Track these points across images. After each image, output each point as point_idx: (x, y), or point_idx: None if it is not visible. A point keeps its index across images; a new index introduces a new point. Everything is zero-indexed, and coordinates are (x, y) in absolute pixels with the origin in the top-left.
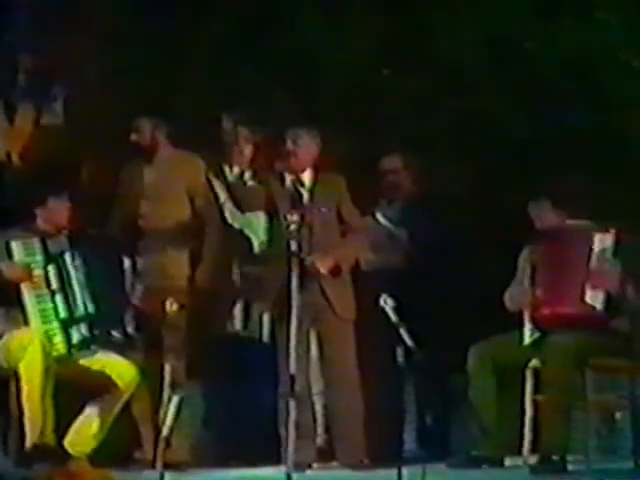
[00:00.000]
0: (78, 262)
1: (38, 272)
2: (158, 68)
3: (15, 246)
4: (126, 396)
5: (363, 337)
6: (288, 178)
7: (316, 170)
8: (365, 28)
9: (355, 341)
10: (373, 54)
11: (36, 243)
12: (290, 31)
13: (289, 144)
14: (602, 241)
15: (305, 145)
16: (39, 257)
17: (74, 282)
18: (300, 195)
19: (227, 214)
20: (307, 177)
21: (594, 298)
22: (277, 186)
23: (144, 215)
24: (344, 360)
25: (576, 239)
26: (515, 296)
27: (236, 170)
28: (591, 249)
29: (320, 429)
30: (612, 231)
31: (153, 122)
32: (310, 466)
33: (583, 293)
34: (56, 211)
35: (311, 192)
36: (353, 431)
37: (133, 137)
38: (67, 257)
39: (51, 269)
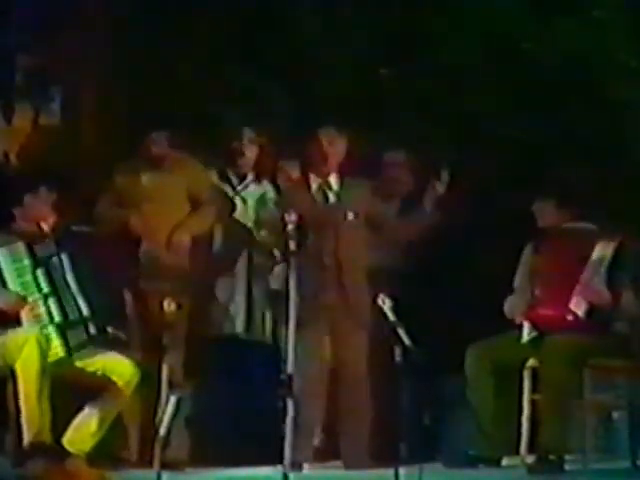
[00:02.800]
0: (67, 264)
1: (27, 277)
2: (157, 68)
3: (1, 254)
4: (127, 394)
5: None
6: (314, 182)
7: (342, 173)
8: (364, 28)
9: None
10: (372, 54)
11: (21, 247)
12: (289, 31)
13: (325, 144)
14: (602, 250)
15: (337, 145)
16: (26, 261)
17: (65, 284)
18: (327, 198)
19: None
20: (334, 180)
21: (577, 305)
22: (302, 191)
23: (142, 216)
24: (358, 363)
25: (578, 242)
26: (513, 305)
27: (239, 172)
28: (589, 257)
29: (317, 429)
30: (615, 240)
31: (167, 134)
32: (304, 466)
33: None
34: (33, 209)
35: (338, 195)
36: (359, 432)
37: (153, 150)
38: (55, 260)
39: (40, 273)
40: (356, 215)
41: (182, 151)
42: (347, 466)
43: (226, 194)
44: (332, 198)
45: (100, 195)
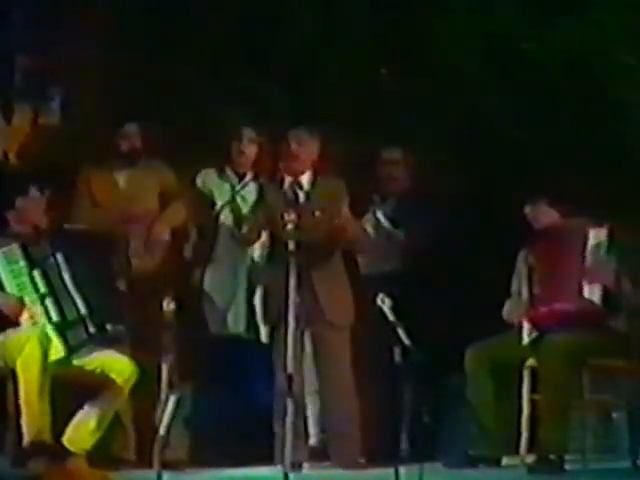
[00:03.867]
0: (62, 263)
1: (23, 279)
2: (157, 68)
3: None
4: (125, 392)
5: (360, 336)
6: (287, 180)
7: (315, 172)
8: (364, 28)
9: (352, 341)
10: (372, 54)
11: (16, 249)
12: (289, 30)
13: (293, 145)
14: (596, 236)
15: (307, 146)
16: (22, 263)
17: (62, 284)
18: (297, 197)
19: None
20: (306, 179)
21: (592, 293)
22: (276, 189)
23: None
24: (338, 362)
25: (571, 235)
26: (510, 310)
27: (238, 172)
28: (585, 244)
29: (316, 429)
30: (606, 226)
31: (140, 128)
32: (301, 465)
33: (581, 288)
34: (27, 210)
35: (308, 194)
36: (347, 432)
37: (127, 144)
38: (51, 260)
39: (36, 274)
40: (322, 213)
41: (155, 146)
42: (336, 466)
43: (203, 193)
44: (302, 197)
45: (77, 196)
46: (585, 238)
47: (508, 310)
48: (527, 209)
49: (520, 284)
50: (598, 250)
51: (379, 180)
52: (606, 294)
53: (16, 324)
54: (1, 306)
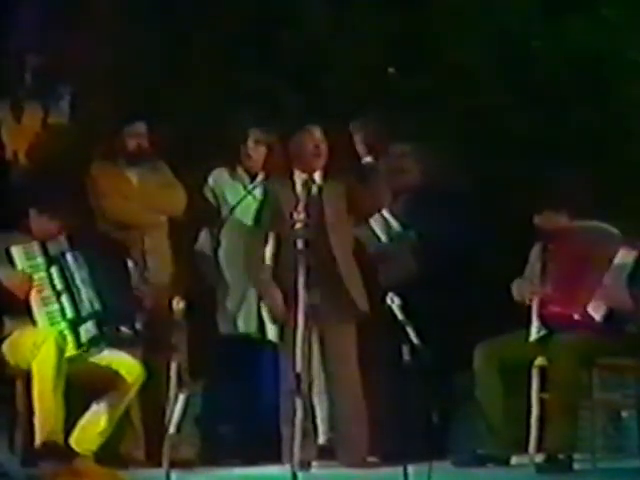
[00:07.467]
0: (80, 261)
1: (41, 274)
2: (166, 68)
3: (15, 251)
4: (132, 393)
5: (369, 335)
6: (300, 177)
7: (325, 169)
8: (372, 27)
9: (360, 340)
10: (380, 53)
11: (35, 246)
12: (298, 30)
13: (321, 142)
14: (624, 257)
15: (324, 143)
16: (40, 259)
17: (78, 281)
18: (309, 193)
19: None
20: (318, 176)
21: (596, 309)
22: (286, 188)
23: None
24: (346, 362)
25: (596, 244)
26: (521, 286)
27: (250, 171)
28: (610, 261)
29: (324, 428)
30: (637, 248)
31: (149, 127)
32: (310, 464)
33: (589, 301)
34: (46, 220)
35: (320, 189)
36: (355, 431)
37: (131, 143)
38: (69, 257)
39: (54, 271)
40: (337, 209)
41: (164, 145)
42: (342, 464)
43: (214, 193)
44: (315, 192)
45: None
46: (612, 253)
47: (518, 287)
48: (536, 220)
49: (532, 274)
50: (621, 272)
51: (388, 172)
52: (611, 314)
53: (26, 303)
54: (8, 282)
